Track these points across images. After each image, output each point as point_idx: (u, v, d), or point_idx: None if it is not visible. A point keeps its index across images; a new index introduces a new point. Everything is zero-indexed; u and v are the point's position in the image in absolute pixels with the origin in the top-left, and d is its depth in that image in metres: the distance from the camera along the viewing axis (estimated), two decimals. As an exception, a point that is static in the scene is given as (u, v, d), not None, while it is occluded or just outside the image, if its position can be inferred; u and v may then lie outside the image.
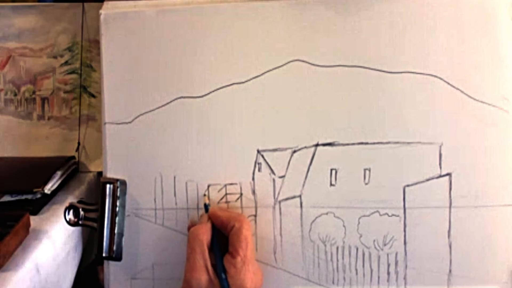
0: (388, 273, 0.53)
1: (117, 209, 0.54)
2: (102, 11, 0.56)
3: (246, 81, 0.54)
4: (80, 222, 0.55)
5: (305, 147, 0.54)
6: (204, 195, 0.54)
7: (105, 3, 0.57)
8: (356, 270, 0.53)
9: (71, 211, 0.55)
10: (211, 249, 0.49)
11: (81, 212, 0.55)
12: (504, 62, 0.52)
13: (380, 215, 0.52)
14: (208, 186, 0.54)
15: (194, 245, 0.48)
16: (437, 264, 0.52)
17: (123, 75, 0.56)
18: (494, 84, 0.52)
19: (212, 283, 0.47)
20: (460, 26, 0.52)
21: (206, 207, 0.53)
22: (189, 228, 0.51)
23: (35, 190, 0.66)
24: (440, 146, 0.52)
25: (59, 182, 0.70)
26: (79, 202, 0.55)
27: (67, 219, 0.55)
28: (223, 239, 0.50)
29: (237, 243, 0.48)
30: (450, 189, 0.52)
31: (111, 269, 0.56)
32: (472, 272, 0.52)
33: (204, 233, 0.49)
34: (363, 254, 0.53)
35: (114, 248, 0.53)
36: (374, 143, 0.53)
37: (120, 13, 0.56)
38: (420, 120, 0.52)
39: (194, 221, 0.53)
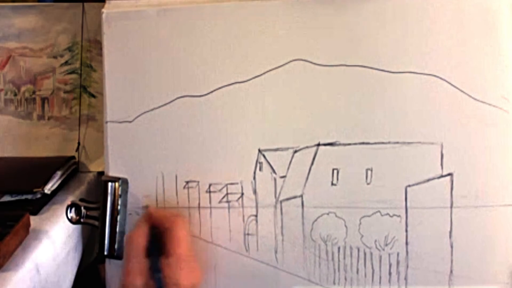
0: (390, 274, 0.53)
1: (119, 207, 0.54)
2: (104, 10, 0.56)
3: (248, 80, 0.54)
4: (81, 220, 0.55)
5: (307, 147, 0.54)
6: (146, 196, 0.54)
7: (107, 2, 0.57)
8: (357, 270, 0.53)
9: (73, 209, 0.55)
10: (150, 251, 0.49)
11: (83, 210, 0.55)
12: (505, 62, 0.52)
13: (382, 215, 0.52)
14: (210, 185, 0.55)
15: (128, 249, 0.49)
16: (439, 264, 0.52)
17: (124, 74, 0.56)
18: (495, 84, 0.52)
19: (148, 286, 0.46)
20: (461, 26, 0.52)
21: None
22: None
23: (35, 190, 0.65)
24: (441, 146, 0.52)
25: (59, 182, 0.70)
26: (80, 200, 0.55)
27: (69, 217, 0.55)
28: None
29: (170, 243, 0.48)
30: (452, 189, 0.52)
31: (113, 268, 0.56)
32: (473, 272, 0.52)
33: (139, 237, 0.49)
34: (365, 254, 0.53)
35: (116, 246, 0.54)
36: (375, 143, 0.53)
37: (122, 12, 0.56)
38: (421, 120, 0.52)
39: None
